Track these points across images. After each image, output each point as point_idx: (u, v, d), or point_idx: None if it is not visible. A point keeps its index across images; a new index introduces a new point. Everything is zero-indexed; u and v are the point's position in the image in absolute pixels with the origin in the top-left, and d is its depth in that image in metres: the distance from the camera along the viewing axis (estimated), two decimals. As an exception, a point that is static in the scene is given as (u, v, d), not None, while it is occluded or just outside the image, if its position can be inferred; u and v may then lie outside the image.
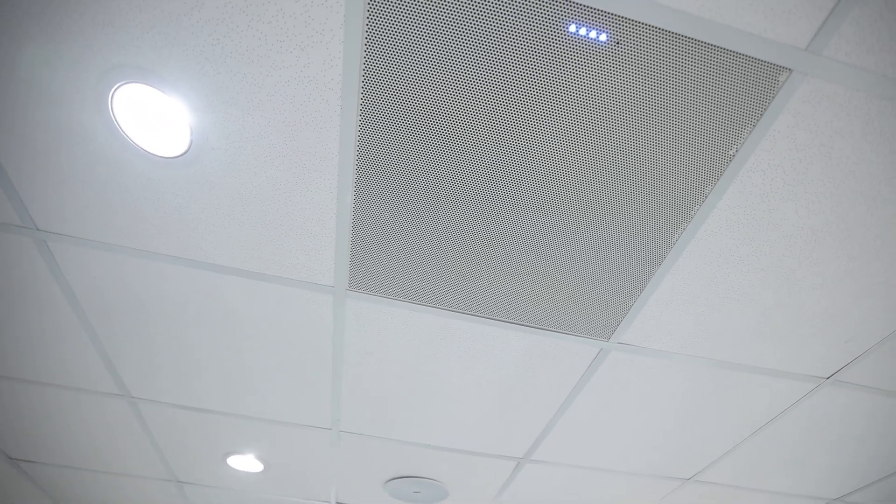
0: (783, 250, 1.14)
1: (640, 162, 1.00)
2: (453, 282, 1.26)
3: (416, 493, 2.25)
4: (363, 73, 0.89)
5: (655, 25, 0.82)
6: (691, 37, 0.83)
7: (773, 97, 0.89)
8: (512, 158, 1.00)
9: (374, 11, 0.81)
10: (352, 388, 1.66)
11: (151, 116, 0.97)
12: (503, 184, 1.04)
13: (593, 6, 0.80)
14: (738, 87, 0.89)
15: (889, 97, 0.88)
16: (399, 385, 1.62)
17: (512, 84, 0.90)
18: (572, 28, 0.83)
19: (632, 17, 0.81)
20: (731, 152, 0.98)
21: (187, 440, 2.02)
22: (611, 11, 0.81)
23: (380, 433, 1.88)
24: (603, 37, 0.84)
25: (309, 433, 1.91)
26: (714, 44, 0.84)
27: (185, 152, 1.02)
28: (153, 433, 1.99)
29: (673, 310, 1.30)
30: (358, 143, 0.99)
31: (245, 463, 2.15)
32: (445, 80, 0.89)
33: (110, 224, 1.18)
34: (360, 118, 0.95)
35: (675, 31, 0.83)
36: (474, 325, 1.38)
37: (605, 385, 1.56)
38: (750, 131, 0.94)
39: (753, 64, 0.86)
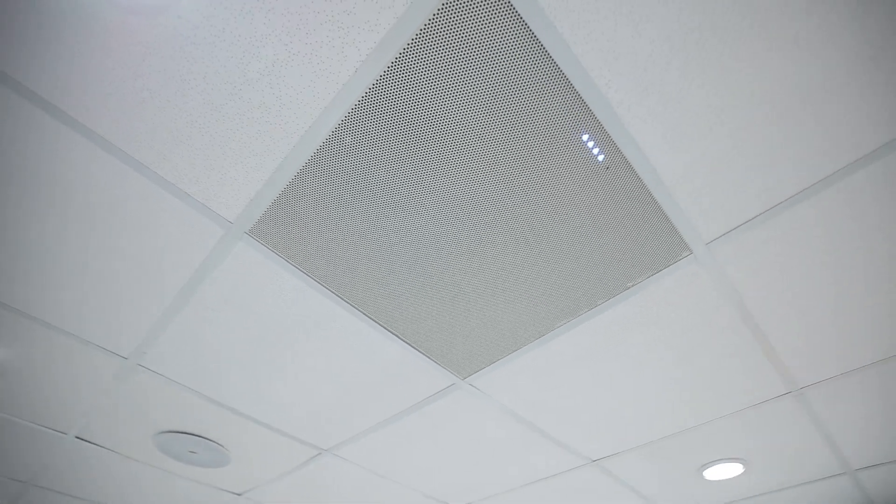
0: (610, 365, 1.51)
1: (564, 253, 1.21)
2: (358, 275, 1.29)
3: (192, 453, 2.10)
4: (399, 53, 0.88)
5: (635, 169, 1.04)
6: (650, 190, 1.08)
7: (671, 263, 1.21)
8: (468, 200, 1.10)
9: (437, 20, 0.82)
10: (183, 328, 1.49)
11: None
12: (445, 212, 1.14)
13: (613, 133, 0.97)
14: (657, 241, 1.17)
15: (716, 306, 1.28)
16: (243, 344, 1.53)
17: (511, 146, 1.00)
18: (585, 137, 0.99)
19: (628, 157, 1.01)
20: (629, 284, 1.27)
21: None
22: (618, 146, 0.99)
23: (185, 381, 1.72)
24: (601, 157, 1.02)
25: (93, 353, 1.63)
26: (660, 204, 1.10)
27: (141, -4, 0.83)
28: None
29: (527, 375, 1.57)
30: (359, 101, 0.96)
31: (-30, 358, 1.69)
32: (463, 114, 0.95)
33: (-44, 3, 0.85)
34: (376, 80, 0.93)
35: (644, 180, 1.06)
36: (358, 321, 1.41)
37: (438, 413, 1.76)
38: (647, 277, 1.24)
39: (674, 234, 1.15)
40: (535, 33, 0.85)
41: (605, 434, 1.82)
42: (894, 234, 1.12)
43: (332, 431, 1.91)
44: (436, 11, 0.83)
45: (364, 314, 1.39)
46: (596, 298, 1.31)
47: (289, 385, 1.69)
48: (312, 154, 1.04)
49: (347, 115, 0.97)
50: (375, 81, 0.92)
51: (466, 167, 1.04)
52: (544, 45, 0.87)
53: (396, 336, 1.46)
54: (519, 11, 0.83)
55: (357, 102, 0.95)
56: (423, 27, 0.85)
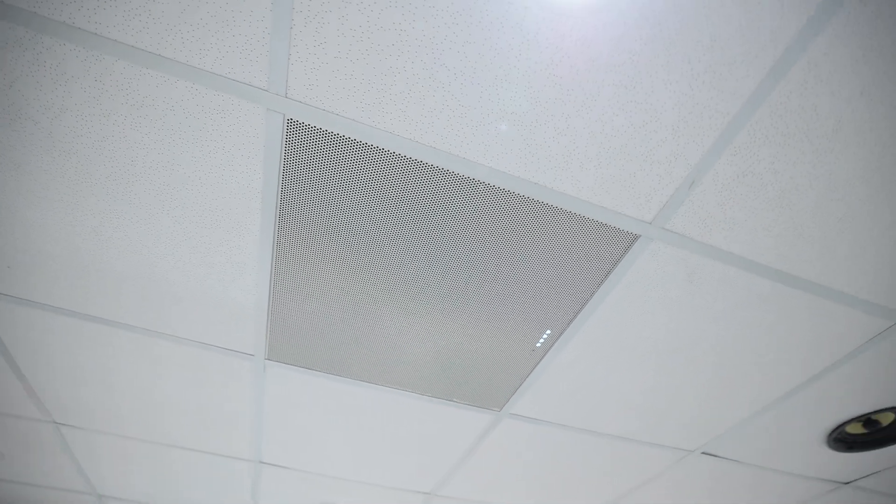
0: (401, 433, 1.92)
1: (458, 353, 1.62)
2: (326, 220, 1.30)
3: None
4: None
5: (546, 356, 1.59)
6: (533, 367, 1.65)
7: (483, 407, 1.79)
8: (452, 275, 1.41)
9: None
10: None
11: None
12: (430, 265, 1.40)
13: (564, 336, 1.50)
14: (497, 392, 1.74)
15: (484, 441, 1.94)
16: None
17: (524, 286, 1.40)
18: (548, 332, 1.48)
19: (551, 348, 1.56)
20: (455, 399, 1.76)
21: None
22: (557, 344, 1.53)
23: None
24: (539, 344, 1.53)
25: None
26: (528, 380, 1.68)
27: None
28: None
29: (329, 397, 1.78)
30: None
31: None
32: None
33: None
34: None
35: (540, 364, 1.62)
36: (261, 240, 1.36)
37: (207, 363, 1.70)
38: (467, 404, 1.77)
39: (507, 398, 1.74)
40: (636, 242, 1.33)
41: (335, 463, 2.14)
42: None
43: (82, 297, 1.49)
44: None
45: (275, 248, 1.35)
46: (449, 395, 1.74)
47: (113, 230, 1.30)
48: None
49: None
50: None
51: (473, 248, 1.36)
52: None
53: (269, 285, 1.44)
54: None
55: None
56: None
